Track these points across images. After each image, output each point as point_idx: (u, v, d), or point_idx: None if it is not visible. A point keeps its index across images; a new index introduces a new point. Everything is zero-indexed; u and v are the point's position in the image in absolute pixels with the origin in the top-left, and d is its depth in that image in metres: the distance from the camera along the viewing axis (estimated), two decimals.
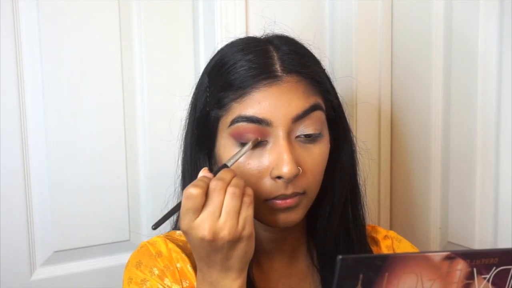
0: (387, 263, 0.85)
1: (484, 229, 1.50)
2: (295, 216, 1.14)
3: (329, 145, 1.16)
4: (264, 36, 1.21)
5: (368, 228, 1.32)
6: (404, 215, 1.73)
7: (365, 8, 1.67)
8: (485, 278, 0.89)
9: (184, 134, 1.24)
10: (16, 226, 1.42)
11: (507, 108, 1.43)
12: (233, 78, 1.11)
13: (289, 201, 1.11)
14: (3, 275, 1.41)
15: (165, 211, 1.20)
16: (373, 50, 1.70)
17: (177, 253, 1.18)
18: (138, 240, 1.48)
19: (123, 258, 1.40)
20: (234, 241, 1.00)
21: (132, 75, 1.51)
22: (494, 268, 0.88)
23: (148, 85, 1.52)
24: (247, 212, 1.01)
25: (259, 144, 1.10)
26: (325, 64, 1.22)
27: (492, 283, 0.89)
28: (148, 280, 1.17)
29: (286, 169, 1.07)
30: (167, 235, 1.23)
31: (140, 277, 1.17)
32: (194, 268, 1.14)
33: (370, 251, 1.28)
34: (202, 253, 1.03)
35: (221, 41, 1.43)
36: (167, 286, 1.15)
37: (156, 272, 1.18)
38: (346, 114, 1.24)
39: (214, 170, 1.08)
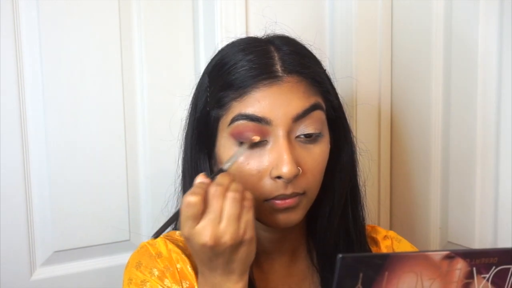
0: (387, 262, 0.85)
1: (484, 229, 1.50)
2: (295, 216, 1.14)
3: (329, 146, 1.16)
4: (265, 36, 1.21)
5: (367, 228, 1.31)
6: (404, 215, 1.73)
7: (365, 8, 1.67)
8: (484, 277, 0.89)
9: (184, 134, 1.23)
10: (16, 226, 1.42)
11: (507, 108, 1.43)
12: (233, 78, 1.11)
13: (288, 201, 1.11)
14: (3, 275, 1.41)
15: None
16: (373, 50, 1.70)
17: (177, 254, 1.18)
18: (138, 240, 1.49)
19: (123, 258, 1.40)
20: (236, 246, 0.99)
21: (132, 75, 1.51)
22: (494, 267, 0.88)
23: (148, 85, 1.52)
24: (248, 216, 1.00)
25: (258, 144, 1.10)
26: (326, 64, 1.22)
27: (492, 283, 0.89)
28: (148, 281, 1.17)
29: (286, 169, 1.07)
30: (167, 236, 1.22)
31: (140, 278, 1.17)
32: (194, 268, 1.14)
33: (370, 251, 1.27)
34: (204, 258, 1.02)
35: (221, 41, 1.43)
36: (167, 287, 1.15)
37: (156, 273, 1.18)
38: (346, 115, 1.24)
39: (211, 175, 1.08)
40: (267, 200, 1.11)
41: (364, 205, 1.28)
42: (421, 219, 1.67)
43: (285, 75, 1.11)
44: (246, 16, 1.54)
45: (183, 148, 1.24)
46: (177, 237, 1.22)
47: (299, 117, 1.10)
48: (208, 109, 1.15)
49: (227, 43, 1.21)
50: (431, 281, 0.87)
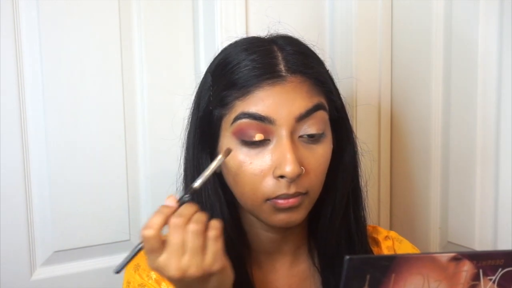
0: (394, 264, 0.85)
1: (484, 229, 1.50)
2: (297, 216, 1.14)
3: (331, 146, 1.16)
4: (268, 36, 1.20)
5: (369, 228, 1.31)
6: (404, 215, 1.73)
7: (365, 8, 1.67)
8: (491, 279, 0.89)
9: (186, 133, 1.23)
10: (16, 226, 1.41)
11: (507, 108, 1.43)
12: (236, 78, 1.11)
13: (291, 201, 1.11)
14: (3, 275, 1.40)
15: None
16: (373, 50, 1.70)
17: None
18: (138, 240, 1.48)
19: (123, 258, 1.40)
20: (204, 277, 0.97)
21: (132, 75, 1.50)
22: (500, 269, 0.88)
23: (148, 85, 1.52)
24: (215, 246, 0.97)
25: (261, 143, 1.10)
26: (328, 64, 1.22)
27: (498, 285, 0.89)
28: (145, 285, 1.18)
29: (289, 168, 1.07)
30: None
31: (138, 282, 1.18)
32: None
33: (371, 252, 1.27)
34: (177, 286, 1.01)
35: (221, 42, 1.43)
36: None
37: (154, 276, 1.18)
38: (348, 115, 1.24)
39: (183, 193, 1.04)
40: (269, 199, 1.11)
41: (366, 206, 1.28)
42: (421, 219, 1.67)
43: (289, 75, 1.11)
44: (246, 16, 1.54)
45: (185, 147, 1.24)
46: None
47: (302, 117, 1.10)
48: (211, 108, 1.15)
49: (230, 42, 1.21)
50: (437, 283, 0.87)
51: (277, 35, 1.20)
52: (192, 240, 0.95)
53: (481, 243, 1.51)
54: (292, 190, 1.10)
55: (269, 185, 1.10)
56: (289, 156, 1.08)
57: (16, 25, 1.37)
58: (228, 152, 1.08)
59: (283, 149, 1.09)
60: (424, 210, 1.66)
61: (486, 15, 1.46)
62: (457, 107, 1.55)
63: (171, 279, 0.98)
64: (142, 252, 1.22)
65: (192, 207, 0.99)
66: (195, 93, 1.23)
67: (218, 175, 1.15)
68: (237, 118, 1.10)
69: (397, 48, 1.70)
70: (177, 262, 0.96)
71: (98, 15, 1.45)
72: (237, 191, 1.15)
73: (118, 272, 1.02)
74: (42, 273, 1.46)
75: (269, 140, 1.10)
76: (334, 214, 1.21)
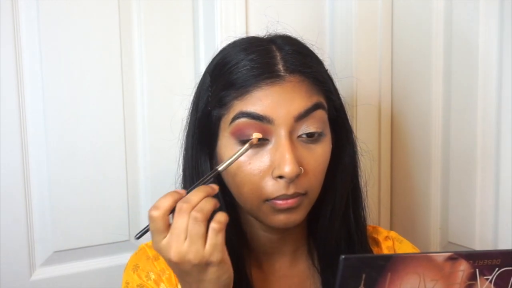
0: (390, 263, 0.85)
1: (485, 229, 1.50)
2: (296, 217, 1.13)
3: (331, 146, 1.16)
4: (266, 36, 1.20)
5: (369, 228, 1.31)
6: (405, 215, 1.73)
7: (365, 8, 1.67)
8: (487, 279, 0.89)
9: (185, 133, 1.23)
10: (16, 226, 1.41)
11: (508, 108, 1.43)
12: (235, 78, 1.11)
13: (290, 202, 1.11)
14: (3, 275, 1.40)
15: None
16: (373, 50, 1.70)
17: None
18: (138, 240, 1.48)
19: (123, 258, 1.41)
20: (202, 266, 0.98)
21: (132, 75, 1.50)
22: (497, 269, 0.88)
23: (148, 85, 1.52)
24: (216, 239, 0.98)
25: (260, 143, 1.10)
26: (327, 64, 1.22)
27: (494, 284, 0.89)
28: (144, 286, 1.18)
29: (288, 168, 1.07)
30: None
31: (136, 282, 1.18)
32: None
33: (371, 252, 1.27)
34: (176, 273, 1.03)
35: (221, 41, 1.43)
36: None
37: (153, 276, 1.19)
38: (348, 115, 1.24)
39: (207, 174, 1.08)
40: (268, 200, 1.11)
41: (366, 206, 1.28)
42: (421, 219, 1.67)
43: (287, 74, 1.11)
44: (246, 16, 1.54)
45: (184, 147, 1.23)
46: None
47: (301, 117, 1.10)
48: (209, 108, 1.14)
49: (229, 42, 1.21)
50: (434, 282, 0.87)
51: (275, 34, 1.20)
52: (192, 227, 0.97)
53: (482, 243, 1.51)
54: (291, 190, 1.10)
55: (268, 185, 1.10)
56: (287, 156, 1.07)
57: (16, 25, 1.37)
58: (253, 143, 1.08)
59: (282, 149, 1.09)
60: (425, 210, 1.66)
61: (486, 15, 1.46)
62: (457, 107, 1.54)
63: (170, 263, 1.00)
64: (140, 253, 1.23)
65: (201, 193, 1.01)
66: (194, 93, 1.23)
67: (217, 176, 1.15)
68: (235, 118, 1.10)
69: (397, 48, 1.70)
70: (177, 246, 0.97)
71: (98, 15, 1.45)
72: (236, 191, 1.15)
73: (138, 238, 1.04)
74: (42, 273, 1.46)
75: (267, 140, 1.10)
76: (334, 214, 1.21)
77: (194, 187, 1.03)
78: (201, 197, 1.00)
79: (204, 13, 1.54)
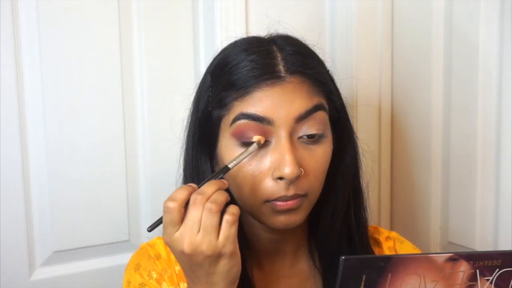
0: (390, 264, 0.85)
1: (485, 229, 1.50)
2: (296, 218, 1.13)
3: (332, 147, 1.16)
4: (267, 36, 1.20)
5: (370, 229, 1.31)
6: (405, 215, 1.73)
7: (365, 8, 1.67)
8: (488, 280, 0.89)
9: (186, 134, 1.23)
10: (16, 226, 1.41)
11: (508, 108, 1.43)
12: (235, 78, 1.11)
13: (290, 203, 1.11)
14: (3, 275, 1.40)
15: None
16: (373, 50, 1.70)
17: None
18: (138, 240, 1.48)
19: (123, 258, 1.41)
20: (214, 257, 0.99)
21: (132, 75, 1.50)
22: (497, 270, 0.88)
23: (148, 85, 1.51)
24: (229, 231, 1.00)
25: (262, 144, 1.09)
26: (328, 65, 1.22)
27: (495, 285, 0.89)
28: (146, 284, 1.18)
29: (288, 170, 1.07)
30: None
31: (138, 281, 1.18)
32: None
33: (372, 253, 1.27)
34: (185, 267, 1.03)
35: (221, 41, 1.43)
36: None
37: (154, 275, 1.19)
38: (349, 116, 1.23)
39: (215, 173, 1.09)
40: (268, 201, 1.11)
41: (367, 206, 1.28)
42: (421, 219, 1.67)
43: (288, 75, 1.11)
44: (246, 16, 1.53)
45: (184, 148, 1.23)
46: None
47: (301, 118, 1.10)
48: (210, 109, 1.14)
49: (230, 42, 1.20)
50: (434, 283, 0.87)
51: (276, 35, 1.20)
52: (206, 218, 0.98)
53: (482, 243, 1.51)
54: (291, 192, 1.09)
55: (268, 186, 1.10)
56: (288, 157, 1.07)
57: (15, 25, 1.37)
58: (260, 142, 1.09)
59: (282, 150, 1.08)
60: (425, 210, 1.66)
61: (486, 15, 1.46)
62: (457, 107, 1.54)
63: (181, 255, 1.01)
64: (142, 252, 1.22)
65: (215, 185, 1.02)
66: (194, 94, 1.22)
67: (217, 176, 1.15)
68: (236, 119, 1.10)
69: (398, 48, 1.70)
70: (191, 238, 0.98)
71: (98, 15, 1.45)
72: (236, 192, 1.15)
73: (150, 230, 1.04)
74: (42, 273, 1.46)
75: (268, 141, 1.10)
76: (335, 215, 1.21)
77: (205, 182, 1.04)
78: (215, 189, 1.02)
79: (204, 13, 1.54)
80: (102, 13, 1.45)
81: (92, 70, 1.45)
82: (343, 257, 0.82)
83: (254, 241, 1.22)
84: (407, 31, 1.67)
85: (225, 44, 1.22)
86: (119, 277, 1.25)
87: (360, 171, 1.26)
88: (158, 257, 1.20)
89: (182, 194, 1.01)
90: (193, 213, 0.99)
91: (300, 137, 1.11)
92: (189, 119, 1.22)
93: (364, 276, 0.84)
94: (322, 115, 1.13)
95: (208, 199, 1.00)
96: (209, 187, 1.02)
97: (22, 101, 1.39)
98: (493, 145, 1.47)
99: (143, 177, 1.54)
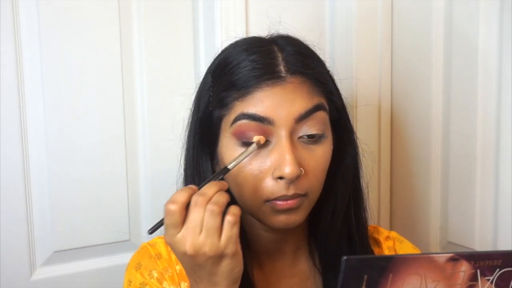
0: (391, 264, 0.85)
1: (484, 229, 1.50)
2: (296, 218, 1.13)
3: (332, 147, 1.16)
4: (268, 36, 1.20)
5: (369, 229, 1.31)
6: (404, 215, 1.73)
7: (365, 8, 1.67)
8: (488, 279, 0.89)
9: (186, 133, 1.23)
10: (16, 226, 1.41)
11: (508, 108, 1.43)
12: (236, 78, 1.11)
13: (290, 203, 1.11)
14: (3, 275, 1.40)
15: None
16: (373, 50, 1.70)
17: None
18: (138, 240, 1.49)
19: (123, 258, 1.41)
20: (216, 258, 1.00)
21: (132, 75, 1.50)
22: (498, 270, 0.88)
23: (148, 85, 1.52)
24: (231, 231, 1.00)
25: (262, 144, 1.10)
26: (329, 65, 1.22)
27: (496, 285, 0.89)
28: (147, 284, 1.18)
29: (288, 169, 1.07)
30: None
31: (139, 280, 1.18)
32: None
33: (372, 252, 1.27)
34: (187, 268, 1.03)
35: (221, 42, 1.43)
36: None
37: (156, 275, 1.19)
38: (349, 116, 1.23)
39: (215, 173, 1.09)
40: (268, 200, 1.11)
41: (367, 207, 1.28)
42: (421, 219, 1.67)
43: (289, 75, 1.11)
44: (246, 16, 1.54)
45: (185, 147, 1.24)
46: None
47: (302, 118, 1.10)
48: (210, 108, 1.14)
49: (231, 42, 1.20)
50: (435, 283, 0.87)
51: (277, 35, 1.20)
52: (208, 220, 0.99)
53: (481, 243, 1.51)
54: (291, 191, 1.10)
55: (268, 186, 1.10)
56: (288, 157, 1.07)
57: (16, 25, 1.37)
58: (259, 142, 1.09)
59: (282, 150, 1.09)
60: (425, 210, 1.66)
61: (486, 15, 1.46)
62: (457, 107, 1.54)
63: (183, 256, 1.01)
64: (142, 252, 1.22)
65: (215, 186, 1.02)
66: (195, 94, 1.22)
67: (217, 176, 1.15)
68: (236, 119, 1.10)
69: (397, 48, 1.70)
70: (193, 239, 0.99)
71: (98, 15, 1.45)
72: (236, 192, 1.15)
73: (151, 232, 1.04)
74: (42, 273, 1.46)
75: (269, 141, 1.10)
76: (335, 215, 1.21)
77: (205, 184, 1.04)
78: (215, 190, 1.02)
79: (204, 13, 1.54)
80: (102, 13, 1.45)
81: (92, 70, 1.45)
82: (345, 257, 0.82)
83: (254, 241, 1.22)
84: (407, 31, 1.67)
85: (225, 44, 1.22)
86: (119, 277, 1.25)
87: (360, 171, 1.26)
88: (159, 256, 1.20)
89: (182, 196, 1.01)
90: (195, 214, 0.99)
91: (300, 137, 1.11)
92: (190, 119, 1.22)
93: (365, 276, 0.84)
94: (322, 115, 1.13)
95: (209, 200, 1.00)
96: (210, 189, 1.02)
97: (23, 101, 1.39)
98: (492, 145, 1.47)
99: (143, 177, 1.54)
